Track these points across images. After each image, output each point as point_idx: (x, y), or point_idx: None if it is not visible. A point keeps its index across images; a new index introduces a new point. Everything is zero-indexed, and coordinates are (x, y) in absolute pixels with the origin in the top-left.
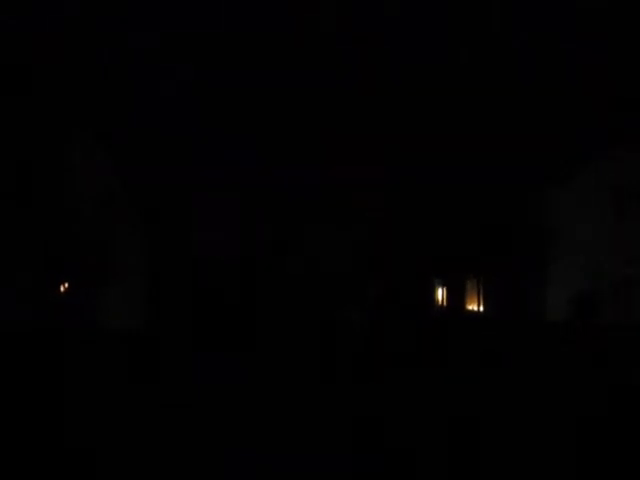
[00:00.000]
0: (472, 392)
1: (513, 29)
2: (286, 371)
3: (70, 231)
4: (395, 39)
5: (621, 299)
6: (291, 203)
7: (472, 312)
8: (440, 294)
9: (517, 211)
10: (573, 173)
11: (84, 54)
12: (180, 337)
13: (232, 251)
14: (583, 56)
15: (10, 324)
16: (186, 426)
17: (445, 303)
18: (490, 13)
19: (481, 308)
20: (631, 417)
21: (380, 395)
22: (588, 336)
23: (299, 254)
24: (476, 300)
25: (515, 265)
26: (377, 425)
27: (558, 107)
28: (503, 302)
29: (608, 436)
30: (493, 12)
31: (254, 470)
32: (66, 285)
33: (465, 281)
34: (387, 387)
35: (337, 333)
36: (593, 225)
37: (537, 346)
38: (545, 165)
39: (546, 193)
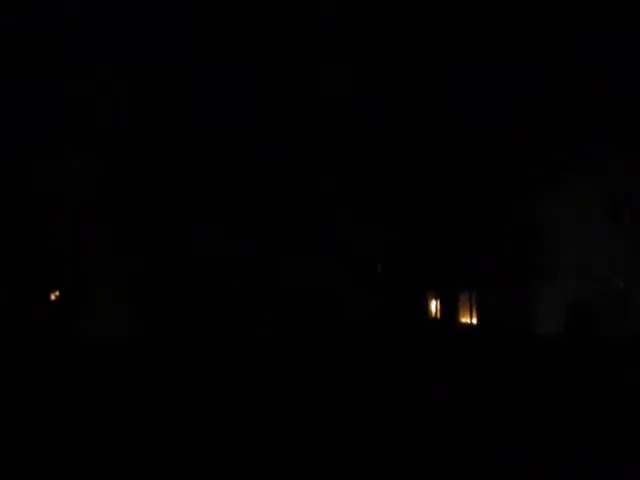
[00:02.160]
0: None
1: (514, 34)
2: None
3: (56, 239)
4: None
5: (616, 312)
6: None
7: (465, 324)
8: (434, 307)
9: (511, 224)
10: (569, 186)
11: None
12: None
13: (226, 252)
14: (585, 59)
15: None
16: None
17: (439, 316)
18: (497, 15)
19: (474, 321)
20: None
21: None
22: (581, 349)
23: (292, 265)
24: (469, 313)
25: (508, 278)
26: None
27: (554, 117)
28: (496, 315)
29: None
30: (500, 14)
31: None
32: (56, 293)
33: (459, 294)
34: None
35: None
36: (588, 238)
37: (527, 358)
38: (540, 178)
39: (541, 206)
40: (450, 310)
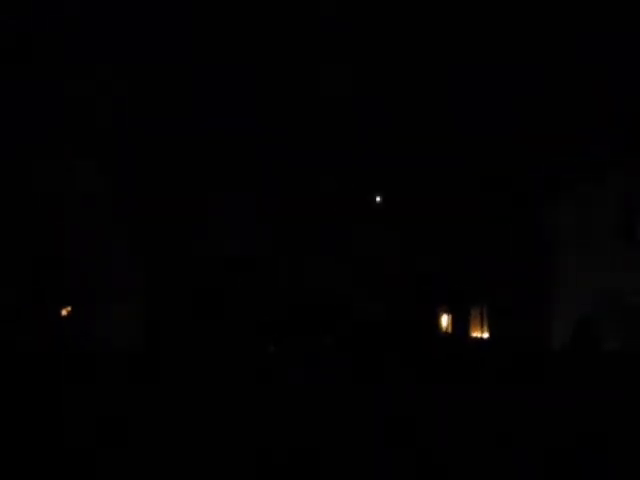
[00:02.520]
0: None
1: (515, 34)
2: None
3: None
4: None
5: (628, 327)
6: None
7: (476, 339)
8: (445, 321)
9: (523, 238)
10: (584, 200)
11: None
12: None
13: (234, 252)
14: (592, 61)
15: (11, 345)
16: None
17: (450, 330)
18: (497, 15)
19: (485, 335)
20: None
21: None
22: (590, 364)
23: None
24: (480, 327)
25: (520, 292)
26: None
27: (565, 123)
28: (507, 329)
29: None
30: (500, 14)
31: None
32: (67, 307)
33: (470, 309)
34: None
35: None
36: (600, 252)
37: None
38: (553, 194)
39: (554, 220)
40: (461, 325)
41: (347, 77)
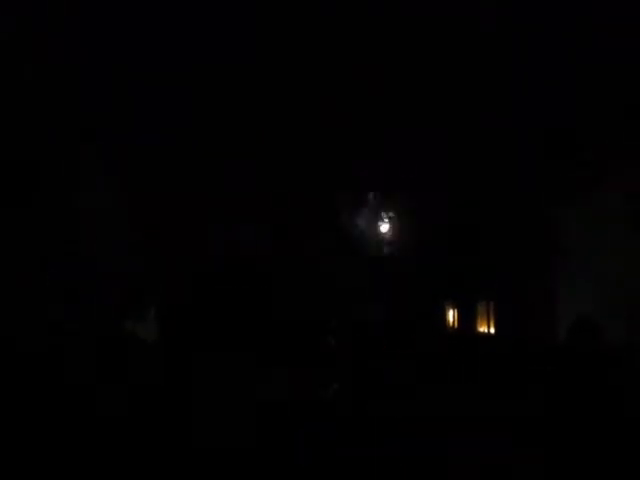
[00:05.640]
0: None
1: (525, 41)
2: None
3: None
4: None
5: (634, 324)
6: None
7: (483, 334)
8: (451, 316)
9: (529, 233)
10: (588, 194)
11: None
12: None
13: (238, 252)
14: (600, 63)
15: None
16: None
17: (456, 325)
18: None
19: (492, 330)
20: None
21: None
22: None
23: (307, 269)
24: (487, 322)
25: (526, 287)
26: None
27: (568, 123)
28: (514, 324)
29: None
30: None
31: None
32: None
33: (476, 303)
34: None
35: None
36: (608, 247)
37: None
38: (558, 187)
39: (559, 214)
40: (468, 319)
41: (347, 77)
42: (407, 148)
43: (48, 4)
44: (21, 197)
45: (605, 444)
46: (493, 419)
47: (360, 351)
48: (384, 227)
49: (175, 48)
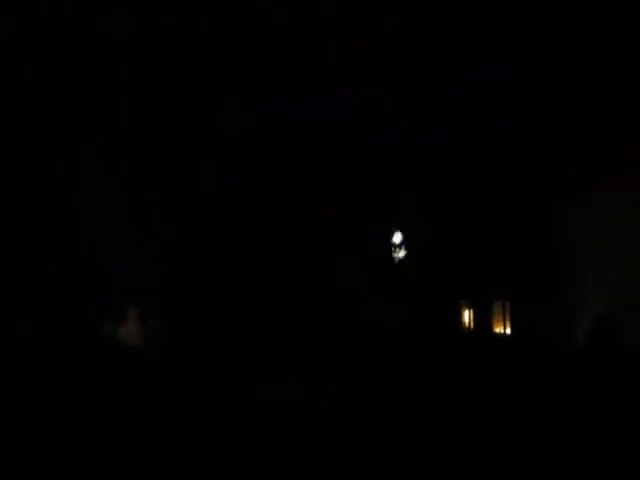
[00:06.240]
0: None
1: (525, 41)
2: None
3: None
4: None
5: None
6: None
7: (498, 334)
8: (467, 316)
9: (545, 233)
10: (603, 192)
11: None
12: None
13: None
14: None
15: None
16: None
17: (472, 325)
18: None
19: (508, 331)
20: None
21: None
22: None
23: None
24: (502, 323)
25: (543, 288)
26: None
27: (583, 120)
28: (530, 325)
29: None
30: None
31: None
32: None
33: (492, 303)
34: None
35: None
36: (625, 247)
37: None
38: (573, 184)
39: (575, 213)
40: (483, 319)
41: (347, 77)
42: (412, 150)
43: (48, 4)
44: (21, 197)
45: (629, 446)
46: (507, 419)
47: (373, 351)
48: (397, 237)
49: (175, 48)
